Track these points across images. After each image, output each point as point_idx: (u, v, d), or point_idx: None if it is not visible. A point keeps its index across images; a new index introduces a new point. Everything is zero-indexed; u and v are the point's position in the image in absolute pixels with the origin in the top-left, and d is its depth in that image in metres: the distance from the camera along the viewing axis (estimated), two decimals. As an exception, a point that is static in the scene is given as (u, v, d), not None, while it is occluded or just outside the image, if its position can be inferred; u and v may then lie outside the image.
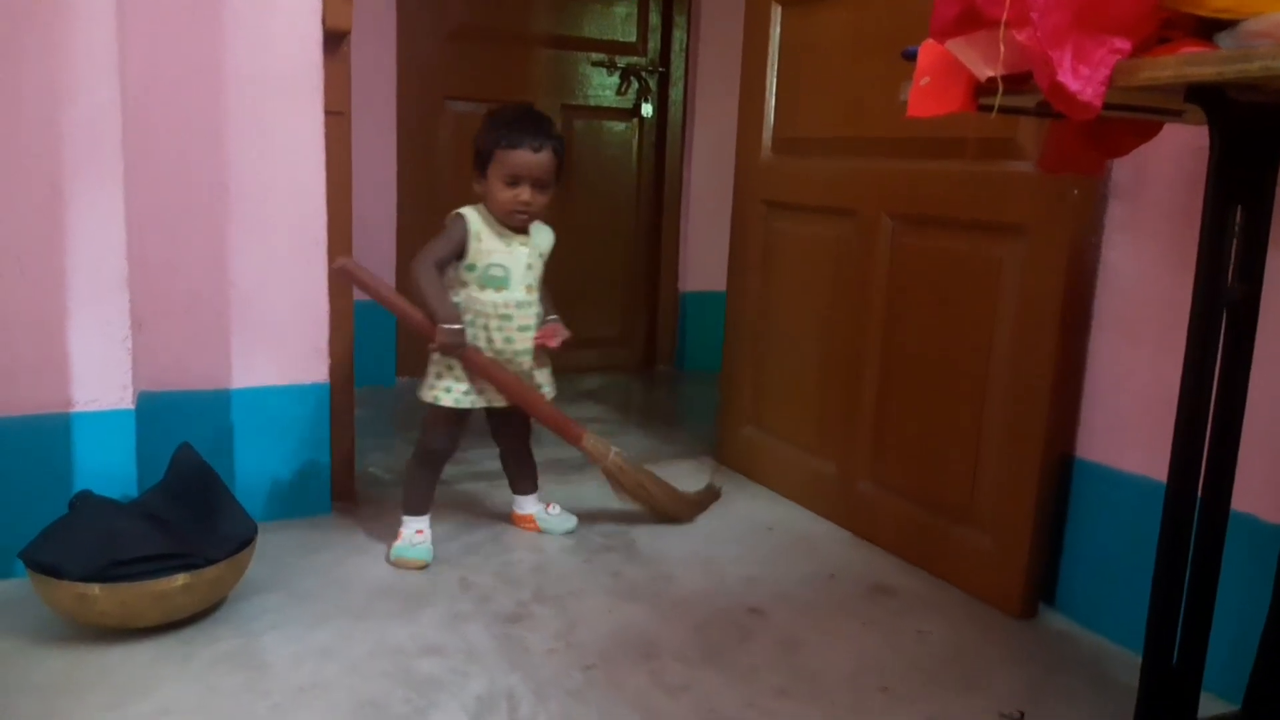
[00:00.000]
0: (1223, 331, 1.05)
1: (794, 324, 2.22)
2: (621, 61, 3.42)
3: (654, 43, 3.49)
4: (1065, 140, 1.18)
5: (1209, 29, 0.89)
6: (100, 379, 1.66)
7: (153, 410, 1.77)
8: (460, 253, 1.75)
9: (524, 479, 1.99)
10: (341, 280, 1.89)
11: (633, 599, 1.69)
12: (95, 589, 1.41)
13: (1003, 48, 0.92)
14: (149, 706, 1.30)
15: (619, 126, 3.50)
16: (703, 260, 3.61)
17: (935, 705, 1.40)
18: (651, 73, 3.48)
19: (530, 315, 1.78)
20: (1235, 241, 1.03)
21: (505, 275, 1.75)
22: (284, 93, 1.83)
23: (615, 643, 1.53)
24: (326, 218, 1.90)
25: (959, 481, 1.79)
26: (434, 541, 1.83)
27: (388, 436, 2.59)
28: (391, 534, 1.86)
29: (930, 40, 1.04)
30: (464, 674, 1.42)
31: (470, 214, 1.76)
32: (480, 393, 1.78)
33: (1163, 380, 1.51)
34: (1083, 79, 0.89)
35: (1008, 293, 1.68)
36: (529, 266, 1.78)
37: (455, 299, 1.76)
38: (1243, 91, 0.93)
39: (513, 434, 1.96)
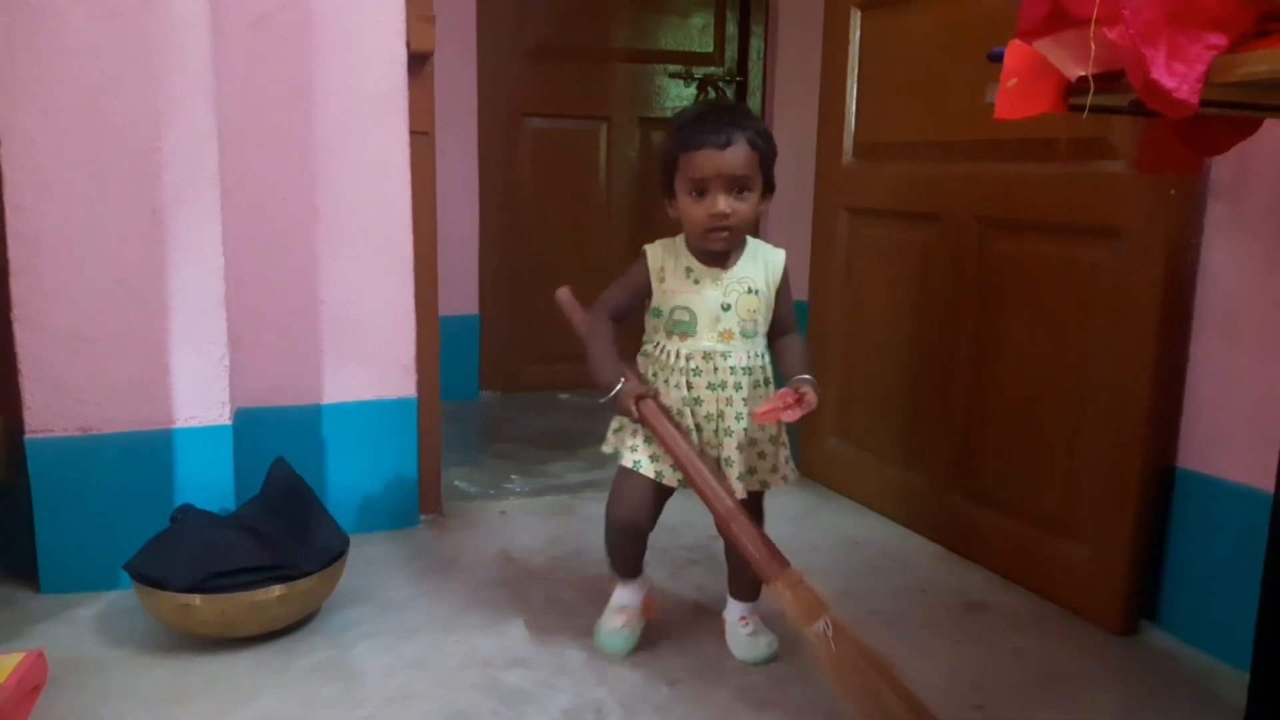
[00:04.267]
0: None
1: (880, 333, 2.19)
2: (699, 72, 3.42)
3: (731, 52, 3.48)
4: (1161, 139, 1.14)
5: (1310, 21, 0.85)
6: (200, 396, 1.72)
7: (249, 425, 1.82)
8: (646, 294, 1.48)
9: (735, 578, 1.57)
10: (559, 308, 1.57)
11: (718, 613, 1.67)
12: (196, 599, 1.45)
13: (1093, 46, 0.89)
14: (249, 714, 1.34)
15: (697, 137, 3.49)
16: (784, 269, 3.58)
17: (1032, 725, 1.36)
18: (729, 82, 3.47)
19: (726, 369, 1.43)
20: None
21: (691, 320, 1.43)
22: (371, 114, 1.87)
23: (701, 657, 1.52)
24: (413, 235, 1.94)
25: (1055, 494, 1.74)
26: (521, 555, 1.84)
27: (473, 450, 2.62)
28: (476, 546, 1.87)
29: (1017, 40, 1.02)
30: (551, 687, 1.43)
31: (655, 249, 1.47)
32: (674, 466, 1.43)
33: (1269, 386, 1.44)
34: (1178, 76, 0.85)
35: (1103, 297, 1.63)
36: (725, 307, 1.42)
37: (647, 346, 1.50)
38: (1348, 84, 0.89)
39: None
